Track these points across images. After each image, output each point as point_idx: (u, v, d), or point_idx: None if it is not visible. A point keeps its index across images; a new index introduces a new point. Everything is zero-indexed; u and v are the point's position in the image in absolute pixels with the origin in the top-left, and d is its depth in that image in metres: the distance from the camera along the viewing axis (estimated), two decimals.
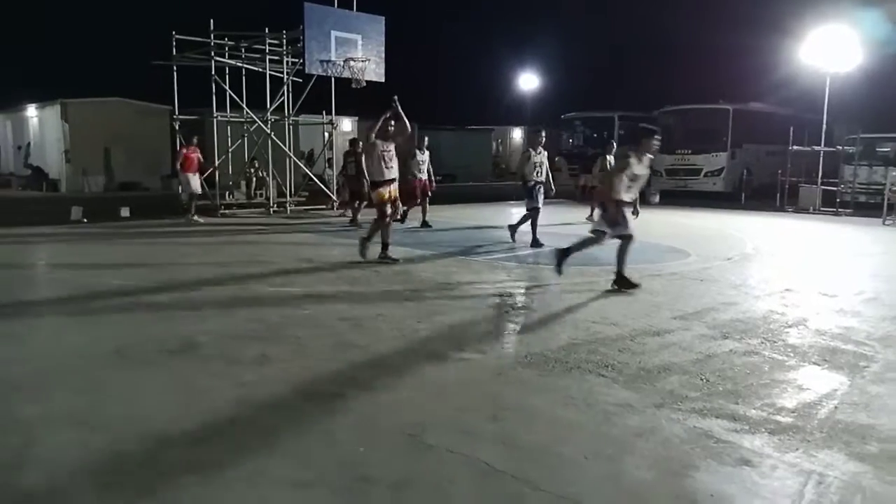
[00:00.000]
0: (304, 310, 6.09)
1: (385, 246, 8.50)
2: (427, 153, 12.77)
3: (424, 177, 12.71)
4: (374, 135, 8.42)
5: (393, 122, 8.60)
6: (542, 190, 10.22)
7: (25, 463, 3.10)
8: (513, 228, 10.50)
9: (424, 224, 12.70)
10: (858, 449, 3.27)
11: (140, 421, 3.53)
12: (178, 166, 13.74)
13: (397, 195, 8.59)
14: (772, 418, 3.65)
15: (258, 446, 3.27)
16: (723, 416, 3.65)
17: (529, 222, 10.19)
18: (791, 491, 2.90)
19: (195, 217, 13.45)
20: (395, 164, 8.50)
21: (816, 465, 3.10)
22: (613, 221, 6.85)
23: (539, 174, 10.13)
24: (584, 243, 7.21)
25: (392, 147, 8.48)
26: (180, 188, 14.43)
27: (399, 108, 8.59)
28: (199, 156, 13.73)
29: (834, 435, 3.43)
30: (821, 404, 3.88)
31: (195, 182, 13.64)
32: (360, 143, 14.16)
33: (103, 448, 3.24)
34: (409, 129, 8.75)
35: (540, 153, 10.22)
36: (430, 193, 12.95)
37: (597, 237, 7.06)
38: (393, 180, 8.45)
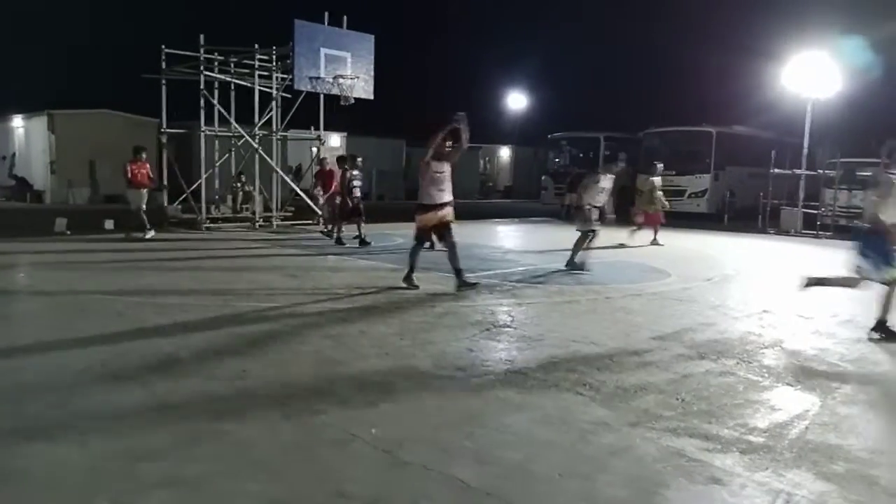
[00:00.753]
0: (287, 326, 6.10)
1: (412, 269, 8.02)
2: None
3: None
4: (429, 154, 7.73)
5: (451, 142, 7.85)
6: (595, 214, 9.98)
7: (2, 477, 3.10)
8: (573, 257, 9.89)
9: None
10: (826, 468, 3.34)
11: (116, 436, 3.53)
12: (128, 181, 12.78)
13: (450, 219, 7.92)
14: (744, 438, 3.71)
15: (235, 460, 3.28)
16: (696, 436, 3.71)
17: (577, 243, 9.87)
18: None
19: (148, 232, 12.69)
20: (448, 186, 7.83)
21: (785, 485, 3.17)
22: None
23: (600, 200, 9.98)
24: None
25: (447, 168, 7.80)
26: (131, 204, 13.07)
27: (463, 124, 7.80)
28: (148, 170, 12.99)
29: (803, 455, 3.50)
30: (792, 424, 3.95)
31: (144, 197, 12.84)
32: (327, 160, 14.68)
33: (79, 462, 3.24)
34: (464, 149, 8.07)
35: (607, 178, 10.09)
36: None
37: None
38: (445, 205, 7.81)
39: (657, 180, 14.25)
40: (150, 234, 12.81)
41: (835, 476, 3.26)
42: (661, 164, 15.16)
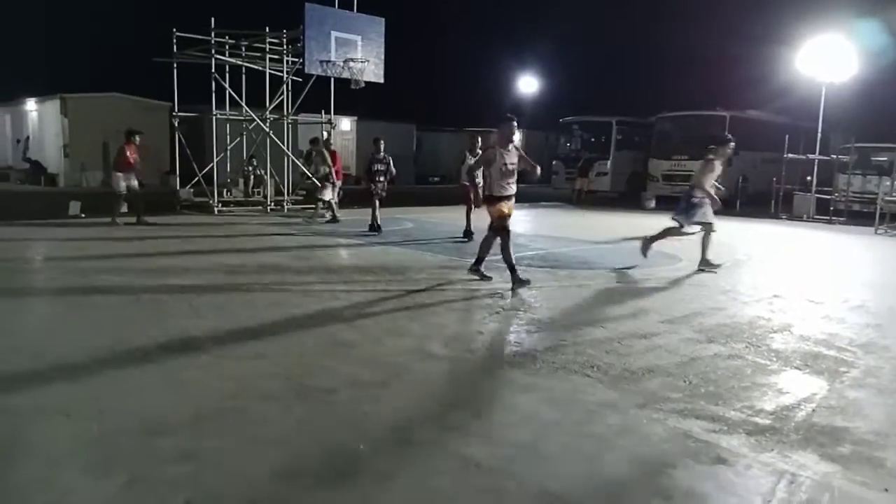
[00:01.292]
0: (298, 308, 6.17)
1: (480, 260, 7.60)
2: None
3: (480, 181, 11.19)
4: (496, 143, 7.26)
5: (514, 126, 7.28)
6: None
7: (19, 451, 3.19)
8: (704, 256, 8.87)
9: (468, 233, 11.18)
10: (831, 450, 3.38)
11: (133, 413, 3.62)
12: (120, 164, 12.38)
13: (510, 213, 7.39)
14: (750, 420, 3.75)
15: (247, 436, 3.36)
16: (703, 417, 3.75)
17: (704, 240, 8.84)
18: (764, 489, 3.00)
19: (118, 220, 12.21)
20: (515, 178, 7.31)
21: (790, 466, 3.20)
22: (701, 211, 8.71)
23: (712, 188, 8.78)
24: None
25: (516, 158, 7.25)
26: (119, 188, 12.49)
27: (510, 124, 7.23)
28: (137, 155, 12.47)
29: (809, 437, 3.54)
30: (799, 407, 3.98)
31: (125, 182, 12.34)
32: (319, 141, 14.68)
33: (97, 438, 3.33)
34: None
35: (720, 163, 8.81)
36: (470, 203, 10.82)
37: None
38: (511, 196, 7.32)
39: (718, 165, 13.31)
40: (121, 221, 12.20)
41: (840, 458, 3.30)
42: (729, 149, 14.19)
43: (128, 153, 12.36)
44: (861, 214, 17.03)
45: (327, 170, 13.51)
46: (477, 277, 7.55)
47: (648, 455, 3.29)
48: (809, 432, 3.60)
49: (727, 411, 3.86)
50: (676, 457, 3.27)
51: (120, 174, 12.36)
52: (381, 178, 12.00)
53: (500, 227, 7.31)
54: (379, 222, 12.03)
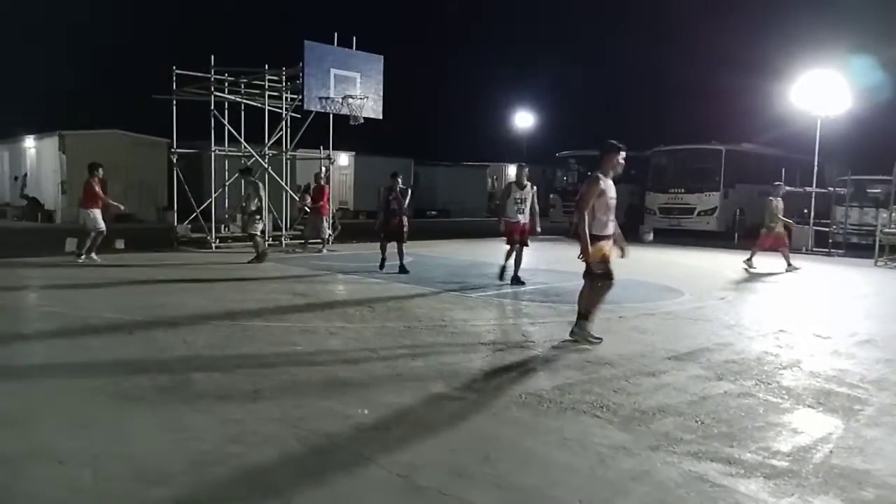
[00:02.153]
0: (298, 346, 6.05)
1: (585, 315, 6.31)
2: (531, 188, 10.01)
3: (525, 219, 9.89)
4: (598, 171, 6.41)
5: (622, 155, 6.47)
6: None
7: (10, 499, 3.05)
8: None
9: (516, 280, 10.00)
10: (854, 495, 3.25)
11: (129, 459, 3.48)
12: (87, 201, 12.21)
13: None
14: (767, 462, 3.62)
15: (248, 486, 3.22)
16: (718, 460, 3.63)
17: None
18: None
19: (94, 255, 12.04)
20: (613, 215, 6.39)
21: None
22: None
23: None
24: None
25: (614, 192, 6.39)
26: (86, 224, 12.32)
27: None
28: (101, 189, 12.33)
29: (829, 480, 3.41)
30: (816, 448, 3.86)
31: (100, 218, 12.21)
32: (321, 176, 15.25)
33: (91, 486, 3.19)
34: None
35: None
36: (526, 244, 10.04)
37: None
38: (611, 235, 6.38)
39: (779, 202, 13.11)
40: (94, 257, 11.98)
41: (864, 503, 3.17)
42: (784, 186, 13.92)
43: (96, 188, 12.23)
44: (859, 246, 17.02)
45: (258, 203, 12.56)
46: (584, 343, 6.14)
47: (664, 501, 3.16)
48: (829, 475, 3.47)
49: (742, 453, 3.73)
50: (694, 503, 3.14)
51: (96, 210, 12.23)
52: (396, 212, 11.18)
53: (605, 274, 6.25)
54: (390, 260, 11.26)
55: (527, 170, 10.23)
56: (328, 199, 15.13)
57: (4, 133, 27.80)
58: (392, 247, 11.28)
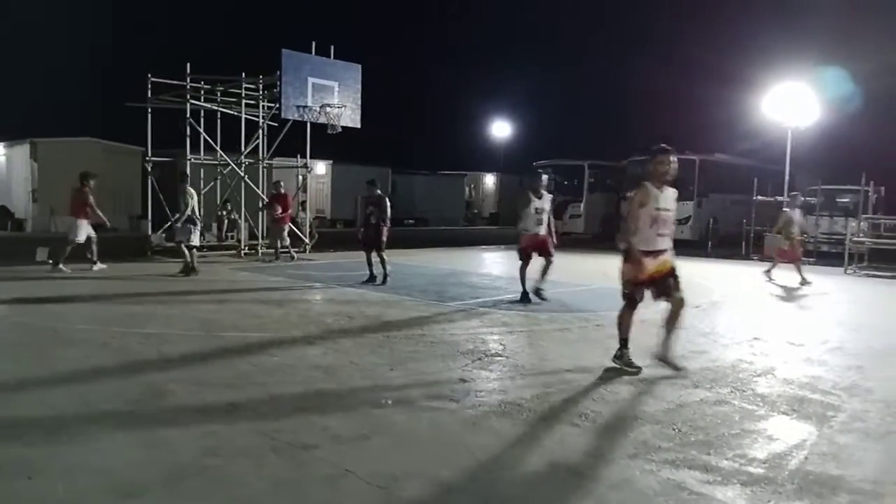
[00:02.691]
0: (274, 356, 5.99)
1: (624, 342, 5.82)
2: (548, 198, 9.32)
3: (543, 231, 9.19)
4: (647, 182, 5.80)
5: (672, 160, 5.85)
6: None
7: None
8: None
9: (538, 293, 9.25)
10: (829, 500, 3.30)
11: (103, 472, 3.41)
12: (78, 211, 11.94)
13: (668, 272, 5.77)
14: (744, 469, 3.66)
15: (224, 498, 3.17)
16: (695, 468, 3.66)
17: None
18: None
19: (61, 266, 11.60)
20: (670, 230, 5.87)
21: None
22: None
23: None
24: None
25: (673, 204, 5.89)
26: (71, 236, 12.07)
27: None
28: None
29: (805, 486, 3.46)
30: (791, 455, 3.91)
31: (86, 230, 12.03)
32: (281, 184, 14.87)
33: (62, 501, 3.12)
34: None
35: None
36: (551, 256, 9.26)
37: None
38: (662, 251, 5.78)
39: (796, 214, 13.06)
40: (62, 267, 11.59)
41: None
42: (801, 196, 13.88)
43: (90, 198, 12.03)
44: (830, 255, 17.34)
45: (190, 212, 11.66)
46: (629, 369, 5.65)
47: None
48: (804, 481, 3.52)
49: (720, 460, 3.77)
50: None
51: (84, 221, 12.03)
52: (373, 222, 10.87)
53: (628, 295, 5.81)
54: (373, 271, 10.99)
55: (545, 177, 9.17)
56: (289, 208, 14.83)
57: None
58: (374, 256, 11.04)
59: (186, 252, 11.64)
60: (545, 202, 9.17)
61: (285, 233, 14.76)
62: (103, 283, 10.70)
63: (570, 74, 51.06)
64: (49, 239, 16.39)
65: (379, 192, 11.26)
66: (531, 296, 9.18)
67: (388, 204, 11.15)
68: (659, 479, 3.51)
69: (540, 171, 9.96)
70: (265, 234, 16.15)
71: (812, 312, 9.81)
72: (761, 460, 3.80)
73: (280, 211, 14.58)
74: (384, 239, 10.91)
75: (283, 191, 14.96)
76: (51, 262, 11.88)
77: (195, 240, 11.84)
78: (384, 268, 10.89)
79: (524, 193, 9.35)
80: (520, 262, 9.34)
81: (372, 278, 10.92)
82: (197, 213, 11.87)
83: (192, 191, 11.92)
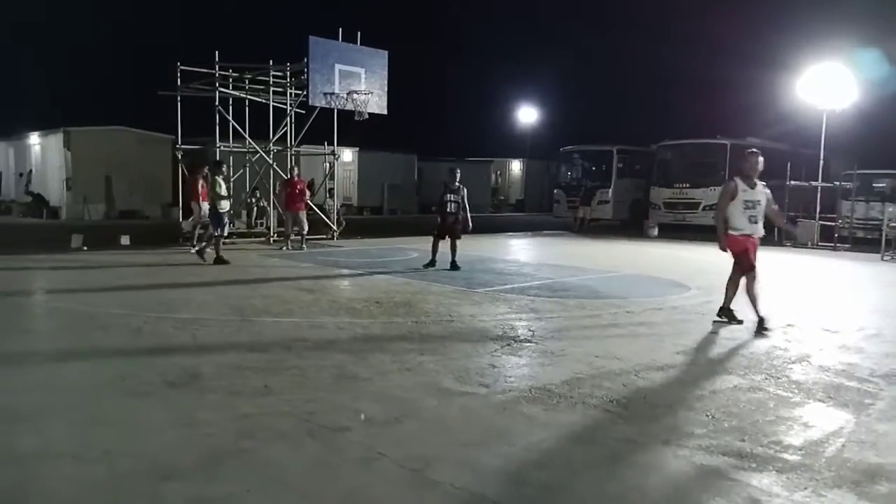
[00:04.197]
0: (306, 340, 6.06)
1: (726, 302, 7.10)
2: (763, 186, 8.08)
3: (761, 231, 7.42)
4: (738, 178, 6.86)
5: (760, 160, 6.86)
6: None
7: (25, 497, 3.06)
8: None
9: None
10: (868, 489, 3.24)
11: (142, 454, 3.49)
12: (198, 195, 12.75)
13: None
14: (779, 456, 3.62)
15: (260, 480, 3.23)
16: (730, 454, 3.62)
17: None
18: None
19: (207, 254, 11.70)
20: (761, 218, 6.94)
21: None
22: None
23: None
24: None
25: (763, 198, 6.90)
26: (191, 219, 13.49)
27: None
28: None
29: (842, 474, 3.40)
30: (828, 442, 3.85)
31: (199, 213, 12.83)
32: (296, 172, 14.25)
33: (103, 482, 3.20)
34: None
35: None
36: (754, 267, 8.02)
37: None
38: (751, 234, 6.88)
39: None
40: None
41: (879, 497, 3.16)
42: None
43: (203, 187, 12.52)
44: (865, 241, 16.96)
45: (217, 201, 11.55)
46: (732, 323, 6.94)
47: (678, 496, 3.16)
48: (842, 469, 3.46)
49: (754, 447, 3.73)
50: (708, 497, 3.14)
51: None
52: (452, 210, 10.93)
53: (743, 264, 6.82)
54: (434, 257, 11.07)
55: (761, 159, 7.00)
56: (300, 195, 14.27)
57: (9, 130, 27.88)
58: (445, 244, 11.03)
59: (212, 241, 11.72)
60: (759, 193, 7.00)
61: (300, 219, 14.34)
62: (136, 270, 10.89)
63: (598, 59, 50.37)
64: (83, 227, 16.73)
65: (458, 182, 11.06)
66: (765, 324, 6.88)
67: (466, 193, 11.15)
68: (693, 464, 3.48)
69: (755, 151, 7.12)
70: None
71: (847, 299, 9.62)
72: (797, 447, 3.75)
73: (290, 196, 14.17)
74: (460, 227, 11.04)
75: (295, 177, 14.55)
76: (194, 249, 12.10)
77: (223, 229, 11.83)
78: (454, 255, 10.95)
79: (729, 184, 7.10)
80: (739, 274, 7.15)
81: (432, 263, 11.01)
82: (223, 203, 11.71)
83: (216, 179, 11.82)
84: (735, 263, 6.94)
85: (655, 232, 20.42)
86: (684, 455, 3.60)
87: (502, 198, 39.27)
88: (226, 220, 11.86)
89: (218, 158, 13.40)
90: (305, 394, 4.54)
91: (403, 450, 3.61)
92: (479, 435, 3.88)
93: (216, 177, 11.76)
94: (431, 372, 5.11)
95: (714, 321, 7.06)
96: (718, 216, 7.02)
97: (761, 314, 6.71)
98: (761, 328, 6.62)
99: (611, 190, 23.72)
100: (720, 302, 7.89)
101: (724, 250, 6.98)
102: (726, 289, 7.05)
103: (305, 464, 3.45)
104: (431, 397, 4.52)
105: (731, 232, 6.83)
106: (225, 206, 11.69)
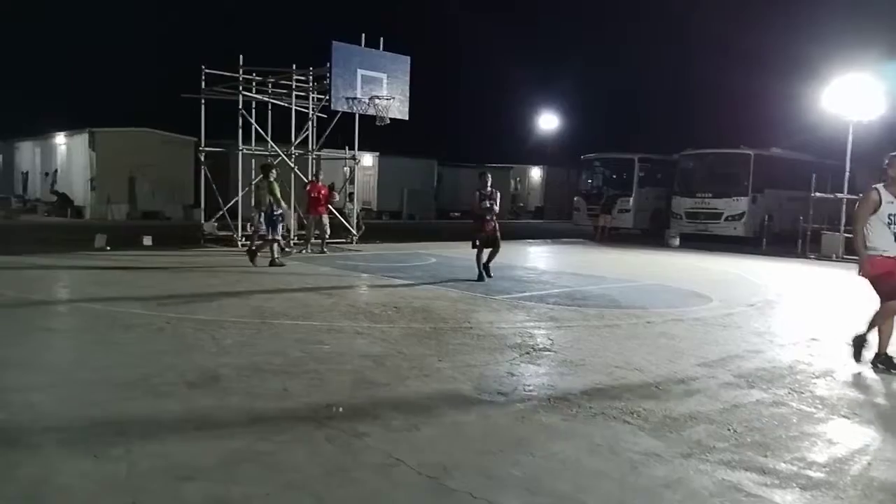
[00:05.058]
0: (325, 345, 6.07)
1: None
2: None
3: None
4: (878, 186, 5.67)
5: None
6: None
7: (46, 493, 3.09)
8: None
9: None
10: None
11: (161, 454, 3.51)
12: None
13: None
14: (803, 473, 3.55)
15: (278, 483, 3.23)
16: (752, 469, 3.56)
17: None
18: None
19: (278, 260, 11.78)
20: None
21: None
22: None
23: None
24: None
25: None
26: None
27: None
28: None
29: (869, 493, 3.33)
30: (853, 460, 3.77)
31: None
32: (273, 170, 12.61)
33: (125, 481, 3.22)
34: None
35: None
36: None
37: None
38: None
39: None
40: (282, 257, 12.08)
41: None
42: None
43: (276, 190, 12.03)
44: None
45: (276, 204, 11.52)
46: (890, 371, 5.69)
47: None
48: (868, 488, 3.39)
49: (777, 463, 3.66)
50: None
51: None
52: (490, 217, 10.43)
53: (888, 292, 5.72)
54: (482, 269, 10.54)
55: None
56: (323, 199, 14.31)
57: (36, 129, 28.38)
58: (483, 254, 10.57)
59: (272, 245, 11.64)
60: None
61: (322, 223, 14.40)
62: (157, 271, 11.01)
63: (619, 67, 50.24)
64: (107, 227, 16.96)
65: (490, 185, 10.61)
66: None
67: (500, 197, 10.70)
68: (714, 479, 3.43)
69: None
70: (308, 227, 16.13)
71: (872, 313, 9.43)
72: (821, 464, 3.68)
73: (312, 200, 14.21)
74: (500, 235, 10.60)
75: (317, 181, 14.53)
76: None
77: (278, 232, 11.76)
78: (489, 262, 10.60)
79: (868, 195, 5.85)
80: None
81: (482, 277, 10.43)
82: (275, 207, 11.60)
83: (269, 181, 11.64)
84: (877, 292, 5.79)
85: (677, 242, 20.23)
86: (706, 469, 3.54)
87: (522, 205, 39.23)
88: (281, 221, 11.85)
89: (267, 162, 13.23)
90: (324, 398, 4.55)
91: (421, 456, 3.60)
92: (498, 443, 3.86)
93: (272, 180, 11.62)
94: (449, 379, 5.09)
95: (875, 367, 5.79)
96: (856, 231, 5.84)
97: (887, 351, 5.72)
98: (888, 364, 5.68)
99: (632, 198, 23.57)
100: (744, 315, 7.71)
101: (865, 276, 5.87)
102: (876, 326, 5.81)
103: (323, 468, 3.44)
104: (449, 404, 4.50)
105: (870, 252, 5.70)
106: (282, 209, 11.74)
